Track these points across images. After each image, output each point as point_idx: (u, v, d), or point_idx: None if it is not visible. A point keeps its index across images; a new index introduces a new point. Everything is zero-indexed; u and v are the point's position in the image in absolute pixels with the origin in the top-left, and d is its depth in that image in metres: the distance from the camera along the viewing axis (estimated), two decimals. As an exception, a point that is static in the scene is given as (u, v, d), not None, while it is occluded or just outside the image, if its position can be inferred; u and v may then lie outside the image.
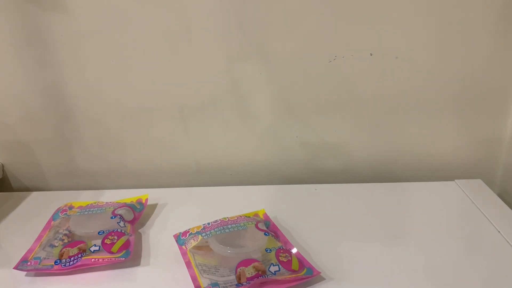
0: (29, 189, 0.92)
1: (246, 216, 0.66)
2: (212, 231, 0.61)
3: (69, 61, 0.79)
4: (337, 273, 0.58)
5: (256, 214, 0.69)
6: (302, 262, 0.58)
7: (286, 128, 0.84)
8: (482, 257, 0.60)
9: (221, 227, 0.61)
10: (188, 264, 0.58)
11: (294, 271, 0.56)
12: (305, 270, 0.57)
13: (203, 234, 0.60)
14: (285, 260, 0.57)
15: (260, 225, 0.63)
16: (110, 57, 0.78)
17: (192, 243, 0.60)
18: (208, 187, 0.83)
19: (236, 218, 0.65)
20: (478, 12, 0.72)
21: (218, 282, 0.53)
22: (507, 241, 0.62)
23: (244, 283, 0.53)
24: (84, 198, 0.79)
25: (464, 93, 0.79)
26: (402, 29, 0.74)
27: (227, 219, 0.64)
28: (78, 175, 0.90)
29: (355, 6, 0.73)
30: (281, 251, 0.59)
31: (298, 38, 0.75)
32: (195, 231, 0.62)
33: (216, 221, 0.63)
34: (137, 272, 0.60)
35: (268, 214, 0.70)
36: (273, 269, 0.55)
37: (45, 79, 0.80)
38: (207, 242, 0.60)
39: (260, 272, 0.54)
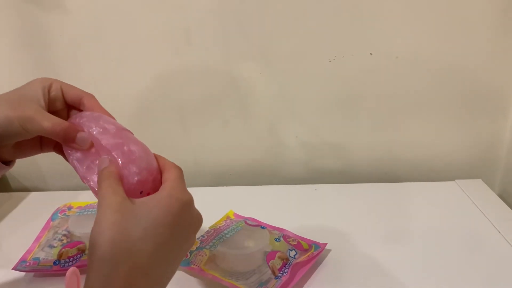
0: (28, 189, 0.91)
1: (228, 219, 0.67)
2: (214, 241, 0.60)
3: (68, 62, 0.78)
4: (337, 273, 0.58)
5: (228, 217, 0.69)
6: (307, 242, 0.61)
7: (286, 128, 0.83)
8: (482, 257, 0.60)
9: (220, 235, 0.61)
10: (215, 278, 0.55)
11: (306, 250, 0.58)
12: (313, 246, 0.60)
13: (208, 247, 0.59)
14: (295, 243, 0.59)
15: (249, 222, 0.65)
16: (109, 58, 0.78)
17: (203, 259, 0.57)
18: (208, 188, 0.83)
19: (223, 223, 0.65)
20: (478, 13, 0.72)
21: (262, 281, 0.54)
22: (507, 241, 0.62)
23: (280, 274, 0.54)
24: (83, 198, 0.79)
25: (464, 93, 0.79)
26: (402, 29, 0.74)
27: (218, 227, 0.64)
28: (77, 175, 0.89)
29: (355, 6, 0.72)
30: (287, 237, 0.61)
31: (298, 37, 0.75)
32: (195, 248, 0.60)
33: (208, 231, 0.63)
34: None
35: (268, 215, 0.70)
36: (292, 254, 0.57)
37: (44, 79, 0.80)
38: (214, 254, 0.58)
39: (285, 260, 0.56)
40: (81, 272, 0.54)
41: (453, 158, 0.85)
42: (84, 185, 0.93)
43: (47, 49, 0.77)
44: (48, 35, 0.76)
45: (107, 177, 0.38)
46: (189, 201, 0.38)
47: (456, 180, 0.80)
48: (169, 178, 0.39)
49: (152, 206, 0.36)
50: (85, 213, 0.68)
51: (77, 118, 0.45)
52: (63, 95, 0.47)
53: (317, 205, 0.75)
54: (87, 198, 0.79)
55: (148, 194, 0.39)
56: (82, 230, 0.63)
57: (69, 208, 0.71)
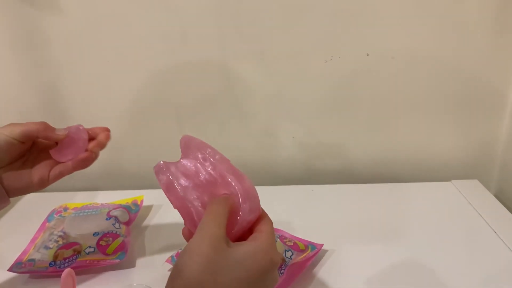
0: (24, 191, 0.91)
1: None
2: None
3: (64, 62, 0.78)
4: (333, 273, 0.58)
5: None
6: (303, 242, 0.61)
7: (283, 128, 0.83)
8: (478, 257, 0.60)
9: None
10: None
11: (303, 251, 0.58)
12: (310, 247, 0.59)
13: None
14: (291, 244, 0.59)
15: None
16: (105, 58, 0.78)
17: None
18: (204, 188, 0.83)
19: None
20: (474, 14, 0.72)
21: None
22: (503, 241, 0.62)
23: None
24: (79, 199, 0.78)
25: (460, 93, 0.79)
26: (398, 30, 0.74)
27: None
28: (73, 176, 0.89)
29: (352, 7, 0.72)
30: (283, 238, 0.61)
31: (294, 38, 0.75)
32: None
33: None
34: (133, 274, 0.59)
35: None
36: (288, 254, 0.57)
37: (40, 79, 0.80)
38: None
39: (281, 261, 0.55)
40: (77, 274, 0.54)
41: (449, 158, 0.85)
42: (80, 186, 0.93)
43: (43, 50, 0.77)
44: (44, 35, 0.76)
45: (219, 203, 0.39)
46: (278, 264, 0.38)
47: (452, 181, 0.80)
48: (265, 230, 0.39)
49: (246, 257, 0.36)
50: (81, 214, 0.67)
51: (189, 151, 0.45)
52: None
53: (313, 205, 0.75)
54: (83, 199, 0.79)
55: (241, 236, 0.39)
56: (78, 231, 0.63)
57: (65, 209, 0.71)
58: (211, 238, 0.35)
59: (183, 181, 0.41)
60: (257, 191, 0.42)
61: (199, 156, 0.43)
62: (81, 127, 0.56)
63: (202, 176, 0.42)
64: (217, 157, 0.43)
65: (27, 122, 0.52)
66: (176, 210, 0.42)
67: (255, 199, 0.41)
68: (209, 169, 0.42)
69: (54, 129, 0.53)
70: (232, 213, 0.39)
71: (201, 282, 0.33)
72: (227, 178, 0.41)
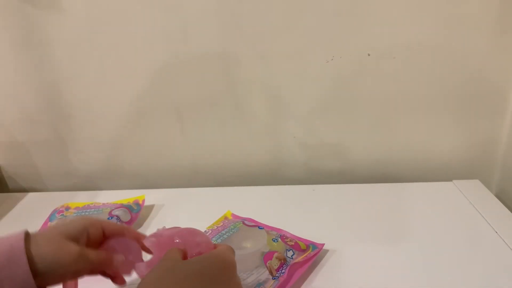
0: (25, 190, 0.91)
1: (225, 220, 0.67)
2: (212, 240, 0.60)
3: (65, 62, 0.78)
4: (334, 273, 0.58)
5: (225, 217, 0.69)
6: (304, 242, 0.61)
7: (284, 128, 0.83)
8: (479, 257, 0.60)
9: (218, 235, 0.61)
10: None
11: (304, 251, 0.59)
12: (311, 247, 0.60)
13: None
14: (293, 244, 0.59)
15: (246, 222, 0.65)
16: (106, 58, 0.78)
17: None
18: (205, 188, 0.83)
19: (221, 224, 0.65)
20: (475, 13, 0.72)
21: (260, 282, 0.54)
22: (504, 241, 0.62)
23: (278, 275, 0.54)
24: (81, 199, 0.79)
25: (461, 93, 0.79)
26: (399, 30, 0.74)
27: (215, 227, 0.64)
28: (75, 175, 0.89)
29: (353, 6, 0.72)
30: (284, 237, 0.61)
31: (295, 38, 0.75)
32: None
33: (206, 232, 0.63)
34: (133, 273, 0.59)
35: (265, 215, 0.70)
36: (289, 254, 0.57)
37: (41, 79, 0.80)
38: None
39: (282, 261, 0.56)
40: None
41: (451, 158, 0.85)
42: (82, 185, 0.92)
43: (45, 50, 0.77)
44: (45, 35, 0.76)
45: (170, 251, 0.43)
46: (233, 261, 0.43)
47: (453, 181, 0.80)
48: (220, 246, 0.46)
49: (200, 259, 0.42)
50: (83, 213, 0.67)
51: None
52: (103, 232, 0.49)
53: (314, 205, 0.76)
54: (85, 198, 0.79)
55: None
56: (80, 230, 0.63)
57: (67, 208, 0.71)
58: (166, 261, 0.41)
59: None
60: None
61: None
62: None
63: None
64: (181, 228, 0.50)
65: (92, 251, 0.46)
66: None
67: (202, 236, 0.48)
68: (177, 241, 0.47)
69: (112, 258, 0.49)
70: (185, 255, 0.44)
71: (159, 279, 0.38)
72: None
